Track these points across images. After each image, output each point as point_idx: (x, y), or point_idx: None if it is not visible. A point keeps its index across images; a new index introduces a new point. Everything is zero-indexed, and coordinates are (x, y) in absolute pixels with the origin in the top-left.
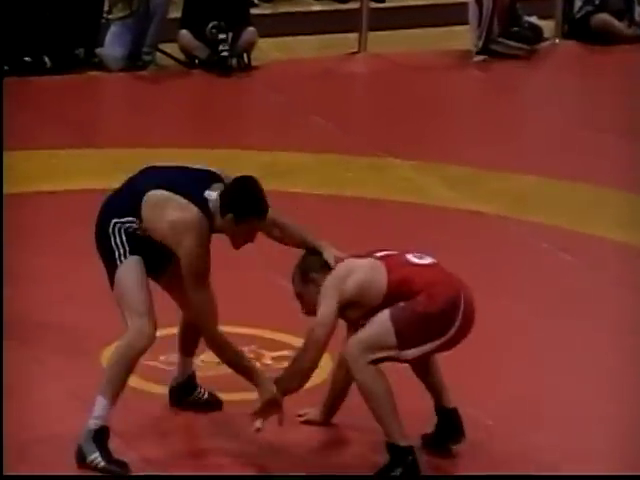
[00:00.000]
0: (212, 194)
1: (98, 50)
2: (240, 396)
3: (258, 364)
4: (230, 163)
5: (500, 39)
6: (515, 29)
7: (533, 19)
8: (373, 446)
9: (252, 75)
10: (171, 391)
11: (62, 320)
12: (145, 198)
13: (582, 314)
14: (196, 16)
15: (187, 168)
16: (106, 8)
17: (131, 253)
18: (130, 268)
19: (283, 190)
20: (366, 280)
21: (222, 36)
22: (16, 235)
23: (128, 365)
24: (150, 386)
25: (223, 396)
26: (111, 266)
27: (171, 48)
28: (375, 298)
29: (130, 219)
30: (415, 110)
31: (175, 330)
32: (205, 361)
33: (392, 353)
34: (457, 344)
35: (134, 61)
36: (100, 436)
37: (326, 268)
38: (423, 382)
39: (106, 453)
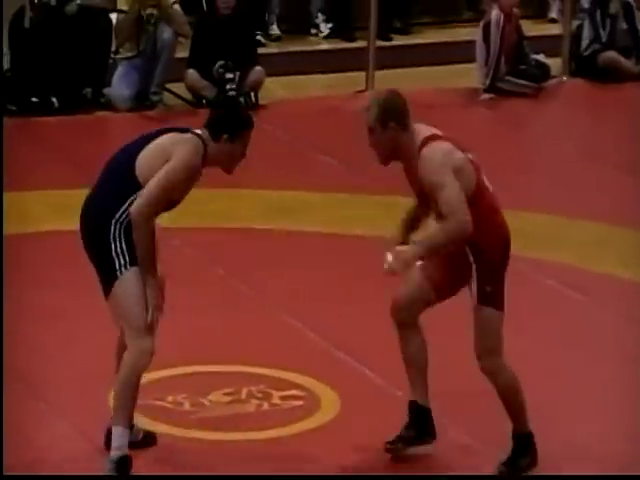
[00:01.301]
0: (197, 130)
1: (106, 90)
2: (243, 436)
3: (266, 404)
4: (237, 202)
5: (507, 77)
6: (522, 67)
7: (540, 57)
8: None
9: (259, 114)
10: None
11: (69, 359)
12: (137, 164)
13: (587, 348)
14: (203, 55)
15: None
16: (113, 48)
17: (132, 263)
18: (131, 282)
19: (290, 229)
20: (464, 165)
21: (229, 75)
22: (24, 274)
23: (134, 386)
24: (157, 426)
25: (228, 437)
26: (108, 276)
27: (178, 88)
28: (466, 187)
29: (127, 204)
30: None
31: (180, 370)
32: (212, 401)
33: (502, 321)
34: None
35: (142, 101)
36: (122, 465)
37: (405, 126)
38: (408, 370)
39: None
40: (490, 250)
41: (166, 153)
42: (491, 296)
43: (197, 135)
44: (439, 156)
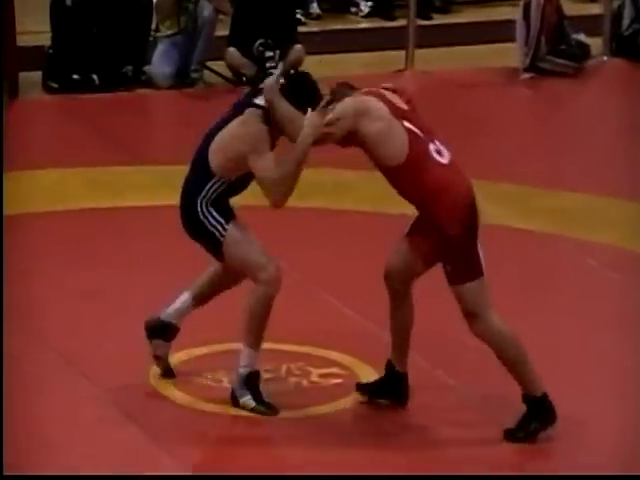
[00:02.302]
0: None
1: (146, 68)
2: (282, 413)
3: (305, 381)
4: None
5: (548, 57)
6: (563, 47)
7: (581, 37)
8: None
9: None
10: (153, 323)
11: (111, 335)
12: (210, 150)
13: (631, 332)
14: (243, 34)
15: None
16: (154, 26)
17: (228, 222)
18: (234, 236)
19: (329, 207)
20: (384, 137)
21: (269, 54)
22: (67, 250)
23: (265, 314)
24: (196, 402)
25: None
26: (215, 246)
27: (218, 66)
28: (388, 159)
29: (210, 184)
30: (462, 127)
31: (220, 347)
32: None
33: (483, 286)
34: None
35: (182, 78)
36: (250, 380)
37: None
38: (393, 336)
39: (257, 395)
40: (446, 226)
41: (233, 140)
42: (454, 274)
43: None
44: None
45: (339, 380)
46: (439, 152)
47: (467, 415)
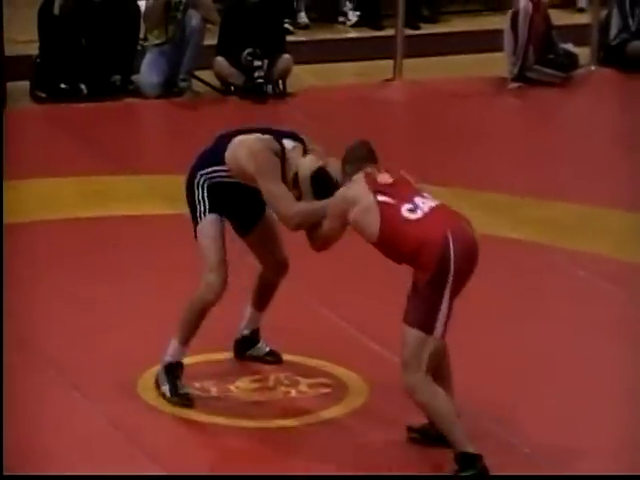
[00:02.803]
0: (290, 143)
1: (134, 77)
2: (271, 423)
3: (294, 391)
4: None
5: (535, 66)
6: (551, 56)
7: (569, 46)
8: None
9: (287, 102)
10: (236, 342)
11: (102, 346)
12: (230, 143)
13: (619, 342)
14: (232, 43)
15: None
16: (142, 35)
17: (210, 210)
18: (207, 226)
19: None
20: (361, 216)
21: (258, 63)
22: (55, 261)
23: (197, 314)
24: (185, 412)
25: (255, 424)
26: (194, 220)
27: (207, 75)
28: (369, 239)
29: (215, 168)
30: (450, 137)
31: (208, 357)
32: (240, 387)
33: (428, 345)
34: (465, 277)
35: (170, 88)
36: (171, 370)
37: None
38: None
39: (173, 386)
40: (416, 275)
41: (246, 145)
42: (408, 312)
43: (281, 149)
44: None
45: (327, 390)
46: (413, 209)
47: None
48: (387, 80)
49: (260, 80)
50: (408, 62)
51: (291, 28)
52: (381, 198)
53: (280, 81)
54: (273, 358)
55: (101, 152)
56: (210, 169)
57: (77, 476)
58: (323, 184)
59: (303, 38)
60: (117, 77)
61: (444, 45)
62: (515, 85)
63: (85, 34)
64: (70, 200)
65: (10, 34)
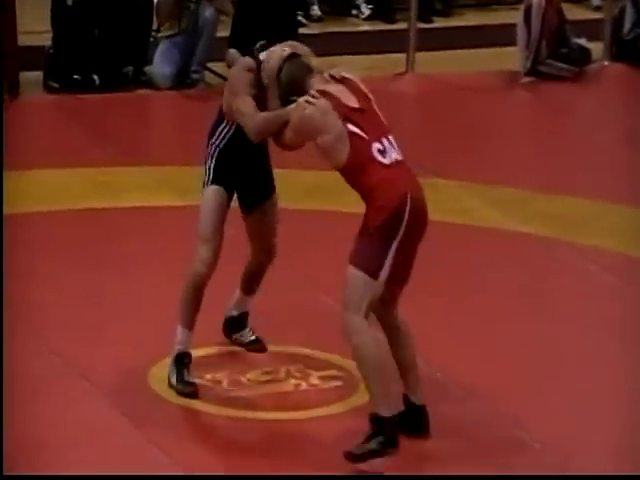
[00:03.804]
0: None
1: (147, 68)
2: (281, 415)
3: (304, 384)
4: (276, 182)
5: (548, 61)
6: (563, 51)
7: (582, 41)
8: None
9: None
10: (224, 323)
11: (111, 337)
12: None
13: (628, 338)
14: (244, 35)
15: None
16: (155, 26)
17: (214, 182)
18: (208, 197)
19: (328, 209)
20: (330, 145)
21: None
22: (66, 251)
23: (195, 291)
24: (196, 403)
25: (266, 416)
26: (202, 187)
27: (219, 67)
28: (333, 164)
29: (219, 129)
30: (462, 131)
31: (220, 349)
32: (251, 379)
33: (372, 290)
34: (411, 243)
35: (182, 79)
36: (178, 359)
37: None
38: (399, 368)
39: (179, 374)
40: (369, 217)
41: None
42: (355, 255)
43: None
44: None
45: (338, 383)
46: (382, 152)
47: (465, 419)
48: (399, 74)
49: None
50: (420, 56)
51: (304, 21)
52: (352, 128)
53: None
54: (256, 346)
55: (112, 143)
56: (217, 133)
57: (77, 476)
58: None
59: (316, 31)
60: (129, 68)
61: (457, 39)
62: (528, 79)
63: (98, 25)
64: (81, 191)
65: (24, 24)
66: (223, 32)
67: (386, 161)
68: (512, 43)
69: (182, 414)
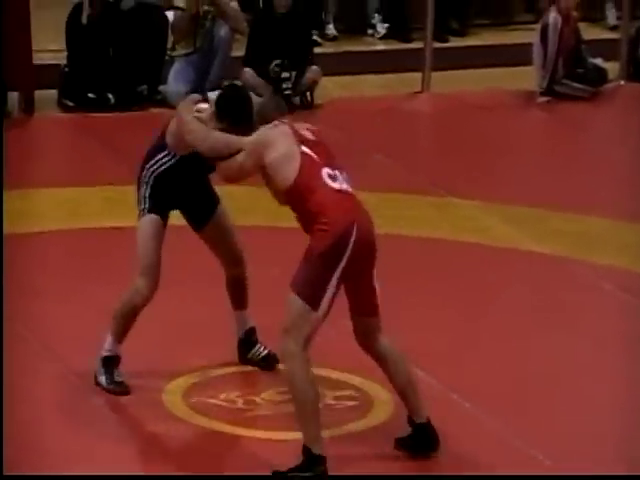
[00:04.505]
0: (213, 95)
1: (161, 87)
2: (296, 435)
3: (320, 404)
4: None
5: (565, 80)
6: (580, 71)
7: (598, 61)
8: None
9: (315, 113)
10: (237, 348)
11: (126, 354)
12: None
13: None
14: (259, 54)
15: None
16: (169, 45)
17: (150, 210)
18: (145, 227)
19: None
20: (279, 162)
21: (285, 74)
22: (82, 268)
23: (127, 316)
24: (210, 423)
25: (280, 436)
26: (138, 215)
27: None
28: (279, 184)
29: (159, 156)
30: (478, 150)
31: (234, 369)
32: (265, 399)
33: (310, 322)
34: (359, 273)
35: None
36: (107, 362)
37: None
38: (397, 393)
39: (110, 376)
40: (312, 240)
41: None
42: (296, 281)
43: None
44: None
45: (354, 403)
46: (333, 177)
47: (477, 436)
48: (415, 93)
49: (288, 91)
50: (436, 75)
51: (319, 40)
52: (305, 149)
53: (308, 93)
54: (266, 364)
55: (127, 161)
56: (155, 159)
57: (77, 476)
58: (231, 101)
59: (331, 50)
60: (144, 87)
61: (473, 58)
62: (544, 99)
63: (113, 44)
64: (96, 209)
65: (39, 43)
66: (238, 51)
67: (336, 186)
68: (528, 63)
69: (197, 433)
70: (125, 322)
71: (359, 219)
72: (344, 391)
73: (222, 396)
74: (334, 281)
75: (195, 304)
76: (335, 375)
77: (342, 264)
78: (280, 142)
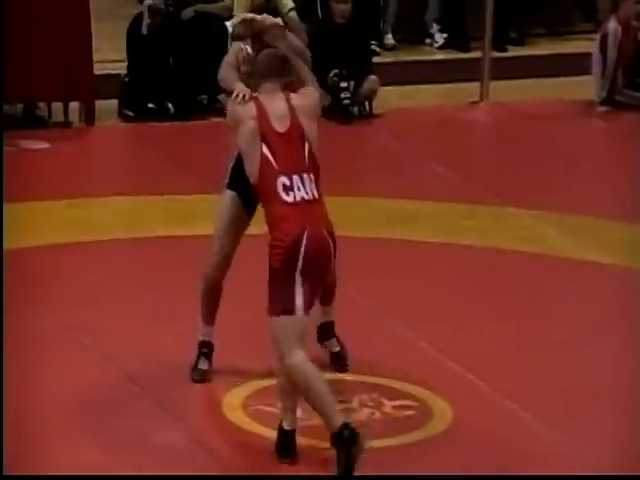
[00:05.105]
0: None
1: (221, 96)
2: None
3: (378, 413)
4: (351, 210)
5: (625, 90)
6: None
7: None
8: None
9: (373, 123)
10: (317, 329)
11: (180, 363)
12: None
13: None
14: (318, 64)
15: None
16: None
17: (229, 186)
18: (222, 202)
19: (403, 238)
20: (245, 150)
21: (344, 84)
22: (136, 277)
23: (205, 295)
24: (268, 432)
25: (323, 444)
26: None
27: None
28: (247, 172)
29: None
30: (536, 159)
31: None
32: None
33: (294, 324)
34: (313, 278)
35: None
36: (199, 346)
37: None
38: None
39: (195, 362)
40: (269, 254)
41: None
42: (270, 305)
43: None
44: None
45: (412, 412)
46: (288, 188)
47: (536, 452)
48: (473, 102)
49: (346, 101)
50: (495, 84)
51: (377, 49)
52: (265, 151)
53: (366, 102)
54: (337, 364)
55: (187, 171)
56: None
57: (77, 476)
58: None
59: (389, 59)
60: (204, 96)
61: (531, 68)
62: (603, 109)
63: (172, 53)
64: (155, 218)
65: (100, 53)
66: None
67: (289, 199)
68: (586, 72)
69: (255, 441)
70: (209, 297)
71: (310, 228)
72: (403, 400)
73: (280, 405)
74: (298, 284)
75: (262, 311)
76: (394, 384)
77: (298, 270)
78: (245, 132)
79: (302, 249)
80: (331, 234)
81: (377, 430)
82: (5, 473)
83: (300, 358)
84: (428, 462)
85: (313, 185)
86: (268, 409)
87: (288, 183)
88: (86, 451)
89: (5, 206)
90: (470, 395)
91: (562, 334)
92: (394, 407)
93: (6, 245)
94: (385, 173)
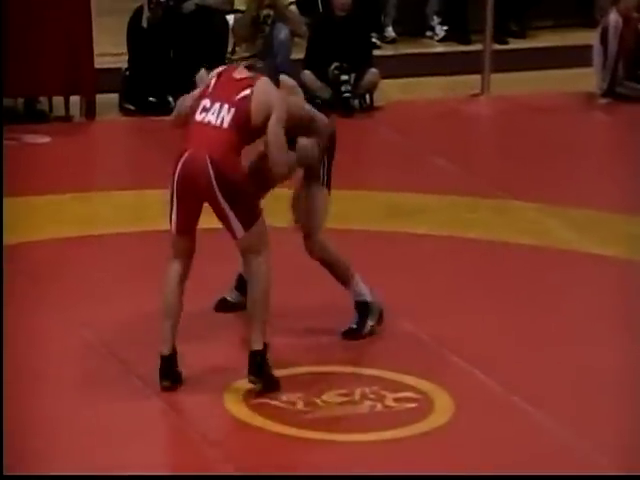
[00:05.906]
0: None
1: None
2: (356, 437)
3: (380, 405)
4: (352, 203)
5: (626, 82)
6: None
7: None
8: None
9: (374, 116)
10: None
11: (187, 358)
12: None
13: None
14: (319, 57)
15: None
16: (230, 48)
17: None
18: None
19: (405, 231)
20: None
21: (345, 77)
22: (142, 271)
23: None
24: (271, 425)
25: (340, 438)
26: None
27: None
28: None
29: None
30: (538, 152)
31: (295, 370)
32: (326, 401)
33: (171, 240)
34: (185, 199)
35: None
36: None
37: None
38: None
39: (373, 317)
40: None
41: None
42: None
43: None
44: None
45: (414, 405)
46: (204, 109)
47: (540, 443)
48: (474, 95)
49: (347, 94)
50: (496, 77)
51: (378, 42)
52: (211, 83)
53: (367, 95)
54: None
55: None
56: None
57: (77, 476)
58: None
59: (390, 52)
60: None
61: (532, 60)
62: (604, 101)
63: (173, 47)
64: (156, 212)
65: (100, 47)
66: (297, 54)
67: (198, 118)
68: (587, 64)
69: (258, 435)
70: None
71: (191, 150)
72: (405, 393)
73: (283, 398)
74: (174, 203)
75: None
76: (396, 377)
77: (175, 190)
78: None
79: (177, 170)
80: (216, 161)
81: (379, 422)
82: (5, 473)
83: (171, 269)
84: (429, 455)
85: (229, 117)
86: (270, 402)
87: (208, 105)
88: (88, 449)
89: (6, 200)
90: (472, 388)
91: (565, 326)
92: (396, 400)
93: (8, 240)
94: (386, 166)
